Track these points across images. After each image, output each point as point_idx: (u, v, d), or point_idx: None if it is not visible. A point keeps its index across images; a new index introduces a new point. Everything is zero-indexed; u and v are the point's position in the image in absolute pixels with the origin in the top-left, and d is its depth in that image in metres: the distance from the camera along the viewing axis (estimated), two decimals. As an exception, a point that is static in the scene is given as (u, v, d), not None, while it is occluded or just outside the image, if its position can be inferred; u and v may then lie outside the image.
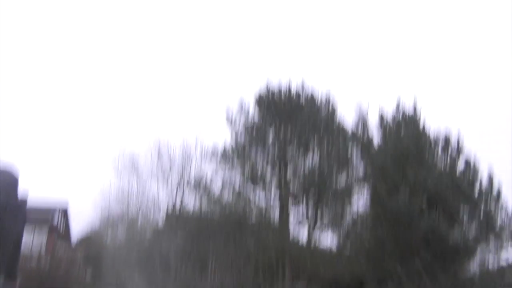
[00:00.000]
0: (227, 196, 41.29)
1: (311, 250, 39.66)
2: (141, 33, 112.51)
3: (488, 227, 36.57)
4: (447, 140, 38.38)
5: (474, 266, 37.61)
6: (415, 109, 39.78)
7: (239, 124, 42.74)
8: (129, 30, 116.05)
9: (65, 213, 68.99)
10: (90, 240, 57.47)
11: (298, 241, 41.31)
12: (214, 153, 41.48)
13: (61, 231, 66.94)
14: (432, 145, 38.60)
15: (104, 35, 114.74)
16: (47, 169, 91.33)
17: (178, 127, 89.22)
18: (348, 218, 41.05)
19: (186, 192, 46.03)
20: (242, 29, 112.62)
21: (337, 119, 42.72)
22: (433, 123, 40.02)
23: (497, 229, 36.56)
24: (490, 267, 37.33)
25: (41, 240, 58.09)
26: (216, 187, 41.59)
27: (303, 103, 42.75)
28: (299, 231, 42.20)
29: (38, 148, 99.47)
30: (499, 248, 36.76)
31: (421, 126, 39.35)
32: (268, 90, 43.26)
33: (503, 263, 37.15)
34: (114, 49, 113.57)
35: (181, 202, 46.45)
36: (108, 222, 51.17)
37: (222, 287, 42.97)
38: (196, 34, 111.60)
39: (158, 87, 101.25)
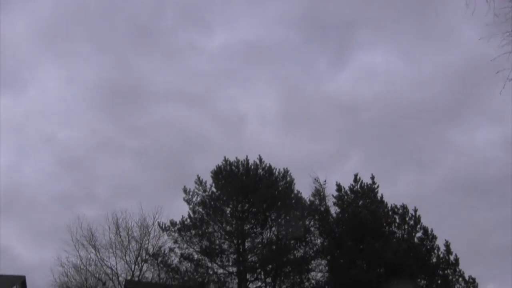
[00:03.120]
0: (185, 267, 40.63)
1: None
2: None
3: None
4: (404, 209, 38.31)
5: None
6: (373, 179, 39.76)
7: (196, 198, 41.81)
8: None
9: (23, 282, 67.84)
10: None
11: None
12: (172, 225, 40.92)
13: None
14: (390, 214, 38.53)
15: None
16: (4, 240, 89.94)
17: (137, 198, 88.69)
18: (307, 289, 40.64)
19: (145, 263, 45.46)
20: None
21: (295, 191, 42.18)
22: (390, 196, 40.26)
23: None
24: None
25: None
26: (175, 259, 40.98)
27: (261, 175, 42.40)
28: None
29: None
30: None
31: (379, 196, 39.33)
32: (226, 163, 42.74)
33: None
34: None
35: (140, 271, 45.82)
36: (67, 291, 50.32)
37: None
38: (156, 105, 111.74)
39: (119, 157, 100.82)
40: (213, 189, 41.79)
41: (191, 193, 41.49)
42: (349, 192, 39.48)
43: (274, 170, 42.35)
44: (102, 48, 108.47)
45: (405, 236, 37.63)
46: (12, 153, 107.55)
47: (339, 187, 39.61)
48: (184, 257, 40.35)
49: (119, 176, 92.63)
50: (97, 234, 47.49)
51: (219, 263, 40.51)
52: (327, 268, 39.67)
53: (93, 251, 46.14)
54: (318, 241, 40.41)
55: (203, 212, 41.09)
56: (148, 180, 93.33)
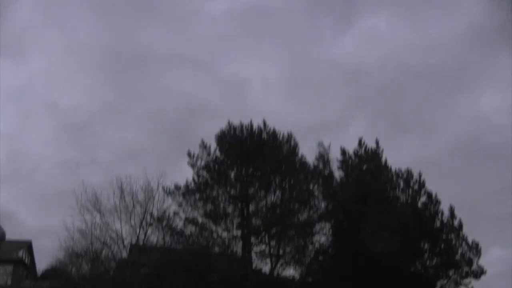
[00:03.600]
0: (190, 230, 40.74)
1: (274, 280, 39.19)
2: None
3: (449, 257, 36.50)
4: (409, 174, 38.28)
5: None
6: (377, 144, 39.65)
7: (201, 162, 41.93)
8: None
9: (29, 248, 68.16)
10: (55, 273, 56.63)
11: (261, 274, 40.87)
12: (176, 189, 40.97)
13: (26, 265, 66.10)
14: (394, 179, 38.50)
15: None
16: (9, 206, 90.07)
17: (141, 164, 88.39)
18: (310, 253, 40.71)
19: (149, 226, 45.44)
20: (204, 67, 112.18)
21: (299, 156, 42.15)
22: (394, 162, 40.19)
23: (458, 258, 36.53)
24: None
25: (7, 274, 57.35)
26: (179, 222, 41.08)
27: (265, 140, 42.39)
28: (262, 267, 41.85)
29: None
30: (459, 276, 36.70)
31: (383, 161, 39.27)
32: (230, 127, 42.76)
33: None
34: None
35: (145, 235, 45.78)
36: (72, 255, 50.29)
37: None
38: (160, 70, 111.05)
39: (122, 122, 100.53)
40: (217, 153, 41.74)
41: (195, 157, 41.44)
42: (353, 157, 39.44)
43: (278, 134, 42.22)
44: (104, 13, 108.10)
45: (409, 200, 37.64)
46: (15, 120, 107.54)
47: (343, 152, 39.56)
48: (189, 221, 40.40)
49: (123, 141, 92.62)
50: (102, 199, 47.31)
51: (223, 226, 40.55)
52: (331, 231, 39.75)
53: (98, 215, 45.98)
54: (322, 205, 40.38)
55: (207, 176, 41.08)
56: (152, 145, 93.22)
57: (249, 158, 40.54)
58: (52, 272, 57.88)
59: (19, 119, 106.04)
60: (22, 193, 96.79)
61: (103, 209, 45.68)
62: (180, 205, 40.69)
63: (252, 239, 40.25)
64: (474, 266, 36.40)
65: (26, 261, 66.08)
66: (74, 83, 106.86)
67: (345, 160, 39.33)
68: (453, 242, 36.84)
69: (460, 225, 36.84)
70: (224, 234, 40.74)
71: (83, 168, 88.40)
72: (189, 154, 41.37)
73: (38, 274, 66.48)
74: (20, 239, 59.28)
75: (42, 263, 68.65)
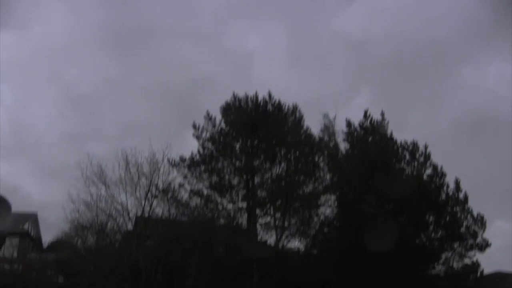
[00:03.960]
0: (195, 202, 40.93)
1: (279, 252, 39.31)
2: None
3: (454, 230, 36.54)
4: (414, 146, 38.22)
5: (440, 266, 37.67)
6: (382, 115, 39.57)
7: (206, 134, 42.13)
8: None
9: (35, 220, 68.42)
10: (61, 244, 56.85)
11: (266, 246, 40.97)
12: (181, 161, 41.05)
13: (32, 237, 66.38)
14: (400, 151, 38.46)
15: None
16: (15, 179, 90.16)
17: (146, 136, 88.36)
18: (315, 225, 40.79)
19: (155, 198, 45.49)
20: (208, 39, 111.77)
21: (304, 127, 42.14)
22: (400, 134, 40.08)
23: (463, 231, 36.57)
24: (455, 265, 37.37)
25: (13, 246, 57.62)
26: (184, 194, 41.28)
27: (270, 112, 42.41)
28: (267, 239, 42.01)
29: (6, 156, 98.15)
30: (464, 249, 36.77)
31: (388, 133, 39.19)
32: (235, 99, 42.78)
33: (467, 261, 37.21)
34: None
35: (150, 207, 45.86)
36: (78, 227, 50.46)
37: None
38: (163, 43, 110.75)
39: (127, 94, 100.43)
40: (222, 125, 41.82)
41: (200, 129, 41.51)
42: (358, 129, 39.30)
43: (283, 106, 42.25)
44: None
45: (414, 173, 37.56)
46: (20, 93, 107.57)
47: (348, 123, 39.42)
48: (194, 193, 40.56)
49: (128, 113, 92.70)
50: (107, 171, 47.36)
51: (228, 198, 40.79)
52: (336, 203, 39.80)
53: (104, 187, 46.04)
54: (327, 177, 40.44)
55: (213, 148, 41.18)
56: (157, 117, 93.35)
57: (254, 130, 40.59)
58: (58, 244, 58.15)
59: (23, 92, 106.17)
60: (27, 166, 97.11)
61: (108, 181, 45.71)
62: (185, 177, 40.87)
63: (257, 211, 40.44)
64: (479, 239, 36.39)
65: (32, 233, 66.41)
66: (78, 56, 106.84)
67: (351, 132, 39.19)
68: (458, 215, 36.79)
69: (466, 198, 36.79)
70: (229, 206, 41.02)
71: (88, 140, 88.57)
72: (194, 126, 41.44)
73: (44, 246, 66.81)
74: (26, 211, 59.54)
75: (47, 236, 69.05)
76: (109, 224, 48.76)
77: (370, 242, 34.07)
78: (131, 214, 46.49)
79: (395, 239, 33.42)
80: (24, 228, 62.65)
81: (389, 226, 33.66)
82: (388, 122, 39.22)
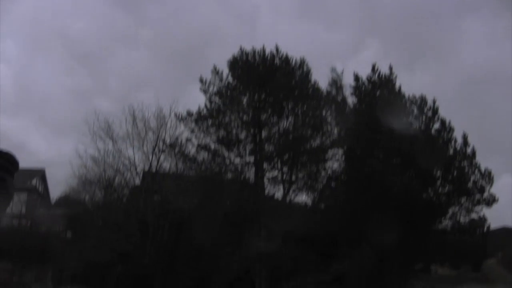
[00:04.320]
0: (203, 157, 41.01)
1: (286, 206, 39.46)
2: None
3: (461, 185, 36.62)
4: (422, 100, 38.14)
5: (447, 220, 37.85)
6: (391, 70, 39.42)
7: (213, 88, 41.93)
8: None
9: (43, 176, 68.68)
10: (69, 199, 57.10)
11: (273, 200, 41.13)
12: (189, 116, 41.01)
13: (40, 193, 66.69)
14: (408, 105, 38.40)
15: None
16: (22, 135, 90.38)
17: (152, 91, 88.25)
18: (322, 179, 40.91)
19: (162, 153, 45.59)
20: None
21: (312, 81, 42.00)
22: (408, 88, 39.90)
23: (470, 185, 36.65)
24: (462, 220, 37.55)
25: (21, 202, 57.87)
26: (192, 148, 41.33)
27: (278, 65, 42.15)
28: (274, 193, 42.19)
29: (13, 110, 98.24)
30: (471, 203, 36.89)
31: (396, 87, 39.09)
32: (242, 52, 42.52)
33: (474, 216, 37.38)
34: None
35: (157, 162, 45.98)
36: (86, 182, 50.66)
37: (198, 245, 42.86)
38: None
39: (133, 49, 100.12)
40: (230, 79, 41.69)
41: (207, 83, 41.42)
42: (366, 83, 39.16)
43: (291, 60, 42.11)
44: None
45: (422, 127, 37.55)
46: (25, 49, 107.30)
47: (356, 77, 39.21)
48: (201, 147, 40.66)
49: (134, 68, 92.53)
50: (114, 126, 47.47)
51: (236, 152, 40.87)
52: (343, 158, 39.88)
53: (111, 142, 46.24)
54: (335, 131, 40.48)
55: (220, 102, 41.16)
56: (164, 71, 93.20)
57: (261, 84, 40.48)
58: (66, 200, 58.37)
59: (28, 48, 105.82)
60: (34, 122, 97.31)
61: (115, 136, 45.93)
62: (192, 131, 40.93)
63: (265, 165, 40.55)
64: (486, 194, 36.47)
65: (40, 189, 66.75)
66: (83, 10, 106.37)
67: (358, 86, 39.02)
68: (466, 169, 36.84)
69: (473, 153, 36.81)
70: (237, 160, 41.14)
71: (95, 96, 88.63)
72: (201, 80, 41.36)
73: (51, 202, 67.02)
74: (33, 167, 59.67)
75: (55, 191, 69.52)
76: (116, 179, 49.04)
77: (377, 197, 34.25)
78: (139, 169, 46.76)
79: (402, 193, 33.56)
80: (32, 184, 62.94)
81: (396, 180, 33.77)
82: (396, 76, 39.09)
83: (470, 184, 36.58)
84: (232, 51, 43.49)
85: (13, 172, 7.25)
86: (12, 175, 7.17)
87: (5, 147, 7.00)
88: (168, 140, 44.69)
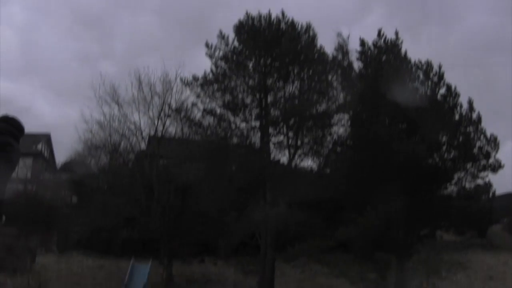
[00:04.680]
0: (208, 122, 41.00)
1: (292, 171, 39.61)
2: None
3: (467, 150, 36.72)
4: (428, 66, 38.11)
5: (452, 186, 38.04)
6: (397, 34, 39.36)
7: (219, 52, 41.54)
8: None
9: (48, 141, 68.86)
10: (74, 165, 57.33)
11: (278, 164, 41.28)
12: (194, 80, 40.96)
13: (45, 157, 66.93)
14: (413, 71, 38.39)
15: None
16: (27, 99, 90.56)
17: (158, 56, 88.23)
18: (328, 144, 41.02)
19: (168, 118, 45.64)
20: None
21: (317, 46, 41.83)
22: (414, 53, 39.84)
23: (476, 151, 36.75)
24: (468, 186, 37.74)
25: (27, 167, 58.11)
26: (197, 113, 41.33)
27: (284, 30, 41.89)
28: (280, 158, 42.34)
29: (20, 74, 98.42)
30: (476, 169, 37.02)
31: (402, 52, 39.06)
32: (248, 17, 42.18)
33: (480, 182, 37.56)
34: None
35: (163, 127, 46.06)
36: (91, 147, 50.82)
37: (204, 210, 43.14)
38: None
39: (139, 14, 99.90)
40: (236, 43, 41.53)
41: (213, 48, 41.26)
42: (372, 48, 39.15)
43: (297, 25, 41.95)
44: None
45: (428, 92, 37.58)
46: (30, 12, 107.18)
47: (362, 42, 39.16)
48: (207, 112, 40.69)
49: (140, 32, 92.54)
50: (120, 91, 47.50)
51: (241, 117, 40.85)
52: (349, 123, 39.95)
53: (116, 107, 46.26)
54: (341, 96, 40.48)
55: (226, 66, 41.05)
56: (170, 36, 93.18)
57: (267, 49, 40.37)
58: (71, 165, 58.64)
59: (34, 12, 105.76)
60: (39, 87, 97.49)
61: (121, 101, 45.98)
62: (198, 96, 40.93)
63: (270, 130, 40.60)
64: (492, 160, 36.60)
65: (45, 154, 66.97)
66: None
67: (364, 51, 38.99)
68: (471, 135, 36.93)
69: (479, 118, 36.85)
70: (242, 125, 41.17)
71: (101, 60, 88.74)
72: (207, 45, 41.26)
73: (57, 167, 67.33)
74: (38, 132, 59.85)
75: (61, 156, 69.70)
76: (122, 143, 49.24)
77: (383, 162, 34.40)
78: (144, 134, 46.92)
79: (408, 159, 33.69)
80: (38, 148, 63.15)
81: (402, 145, 33.89)
82: (402, 42, 39.05)
83: (475, 150, 36.69)
84: (238, 16, 43.43)
85: (19, 137, 7.36)
86: (18, 140, 7.28)
87: (11, 111, 7.12)
88: (174, 105, 44.77)
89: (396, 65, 37.52)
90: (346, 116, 39.96)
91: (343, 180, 37.44)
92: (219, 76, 40.65)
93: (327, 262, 42.59)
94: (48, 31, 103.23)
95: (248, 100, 40.94)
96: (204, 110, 40.66)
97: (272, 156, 40.99)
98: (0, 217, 6.91)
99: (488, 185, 37.44)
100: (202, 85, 40.63)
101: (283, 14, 41.89)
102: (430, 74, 37.70)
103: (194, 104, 41.23)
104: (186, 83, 41.43)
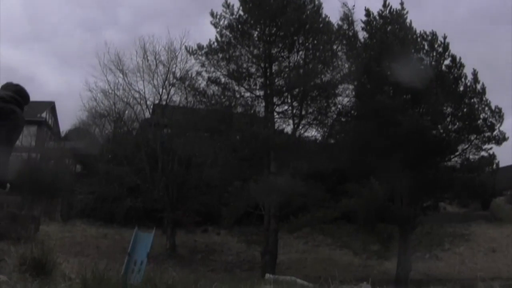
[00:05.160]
0: (213, 91, 40.95)
1: (296, 141, 39.60)
2: None
3: (471, 122, 36.71)
4: (433, 36, 38.01)
5: (456, 157, 38.11)
6: (402, 5, 39.18)
7: (224, 21, 41.08)
8: None
9: (52, 109, 68.97)
10: (78, 133, 57.47)
11: (283, 134, 41.28)
12: (199, 49, 40.83)
13: (49, 126, 67.06)
14: (419, 41, 38.29)
15: None
16: (31, 68, 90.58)
17: (163, 24, 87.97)
18: (332, 114, 41.01)
19: (172, 87, 45.63)
20: None
21: (323, 16, 41.60)
22: (419, 24, 39.67)
23: (480, 123, 36.73)
24: (472, 158, 37.79)
25: (31, 135, 58.27)
26: (202, 82, 41.24)
27: (289, -1, 41.47)
28: (284, 128, 42.41)
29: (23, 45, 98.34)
30: (480, 141, 37.04)
31: (407, 22, 38.92)
32: (253, -15, 41.82)
33: (484, 154, 37.58)
34: None
35: (168, 95, 46.09)
36: (95, 115, 50.95)
37: (207, 179, 43.30)
38: None
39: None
40: (241, 12, 41.30)
41: (218, 17, 41.03)
42: (377, 18, 39.02)
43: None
44: None
45: (433, 63, 37.50)
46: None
47: (367, 12, 38.96)
48: (211, 81, 40.63)
49: (145, 0, 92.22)
50: (125, 59, 47.65)
51: (246, 86, 40.91)
52: (353, 93, 39.91)
53: (121, 75, 46.31)
54: (346, 66, 40.37)
55: (230, 35, 40.86)
56: (174, 4, 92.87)
57: (272, 18, 40.19)
58: (76, 133, 58.88)
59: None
60: (44, 55, 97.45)
61: (126, 69, 46.12)
62: (202, 65, 40.83)
63: (275, 100, 40.61)
64: (496, 132, 36.58)
65: (50, 122, 67.16)
66: None
67: (369, 21, 38.85)
68: (476, 106, 36.87)
69: (483, 89, 36.75)
70: (247, 94, 41.26)
71: (105, 29, 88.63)
72: (212, 14, 41.07)
73: (61, 135, 67.56)
74: (43, 100, 59.99)
75: (65, 124, 69.98)
76: (126, 112, 49.46)
77: (387, 133, 34.44)
78: (149, 102, 47.11)
79: (412, 130, 33.71)
80: (42, 116, 63.24)
81: (406, 116, 33.90)
82: (407, 12, 38.92)
83: (480, 122, 36.65)
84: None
85: (23, 104, 7.45)
86: (22, 108, 7.37)
87: (14, 79, 7.21)
88: (178, 74, 44.82)
89: (401, 35, 37.39)
90: (351, 87, 39.95)
91: (346, 151, 37.52)
92: (224, 45, 40.52)
93: (330, 233, 42.82)
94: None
95: (252, 70, 40.93)
96: (209, 79, 40.65)
97: (276, 126, 41.12)
98: (5, 185, 7.03)
99: (492, 157, 37.36)
100: (206, 54, 40.53)
101: (288, -18, 41.71)
102: (435, 45, 37.58)
103: (198, 73, 41.22)
104: (190, 52, 41.36)
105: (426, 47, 37.80)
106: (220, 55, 40.48)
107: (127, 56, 52.52)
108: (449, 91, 36.50)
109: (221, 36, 40.78)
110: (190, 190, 44.63)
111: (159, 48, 46.57)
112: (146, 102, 46.94)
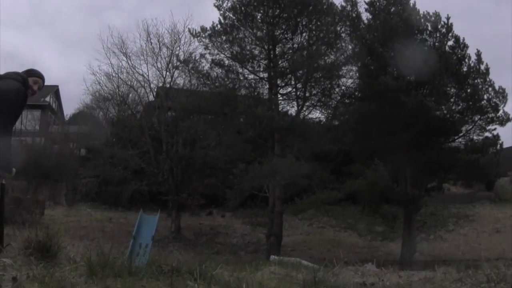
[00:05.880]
0: (216, 73, 40.83)
1: (300, 123, 39.53)
2: None
3: (475, 102, 36.63)
4: (437, 17, 37.88)
5: (460, 138, 38.09)
6: (406, -14, 39.05)
7: (227, 3, 40.76)
8: None
9: (56, 93, 68.98)
10: (83, 117, 57.49)
11: (287, 116, 41.19)
12: (202, 31, 40.70)
13: (54, 110, 67.07)
14: (422, 22, 38.16)
15: None
16: (34, 51, 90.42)
17: (166, 7, 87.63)
18: (336, 96, 40.98)
19: (176, 69, 45.53)
20: None
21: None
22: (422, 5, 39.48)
23: (484, 103, 36.64)
24: (475, 138, 37.77)
25: (35, 119, 58.27)
26: (205, 64, 41.12)
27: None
28: (288, 110, 42.35)
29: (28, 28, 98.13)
30: (484, 122, 36.99)
31: (411, 3, 38.78)
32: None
33: (487, 134, 37.54)
34: None
35: (171, 78, 46.03)
36: (99, 99, 50.96)
37: (212, 161, 43.33)
38: None
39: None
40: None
41: (221, -3, 41.01)
42: (381, -2, 38.91)
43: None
44: None
45: (436, 44, 37.39)
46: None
47: (371, -8, 38.97)
48: (215, 63, 40.53)
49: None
50: (128, 42, 47.66)
51: (250, 68, 40.87)
52: (357, 74, 39.85)
53: (124, 58, 46.23)
54: (349, 47, 40.27)
55: (234, 17, 40.73)
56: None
57: (275, -1, 40.09)
58: (80, 117, 58.84)
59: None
60: (46, 38, 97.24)
61: (129, 52, 45.98)
62: (206, 47, 40.73)
63: (279, 82, 40.51)
64: (500, 112, 36.50)
65: (54, 106, 67.13)
66: None
67: (373, 2, 38.70)
68: (480, 87, 36.77)
69: (487, 70, 36.63)
70: (251, 77, 41.21)
71: (108, 12, 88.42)
72: (215, -4, 40.94)
73: (65, 119, 67.55)
74: (47, 84, 59.93)
75: (69, 108, 70.01)
76: (130, 95, 49.46)
77: (391, 114, 34.41)
78: (153, 85, 47.05)
79: (416, 111, 33.68)
80: (46, 101, 63.19)
81: (410, 97, 33.85)
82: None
83: (484, 102, 36.57)
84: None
85: (27, 80, 7.44)
86: (26, 85, 7.35)
87: (18, 63, 7.16)
88: (182, 56, 44.71)
89: (405, 16, 37.24)
90: (355, 68, 39.87)
91: (351, 132, 37.58)
92: (227, 27, 40.38)
93: (335, 215, 42.96)
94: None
95: (256, 52, 40.84)
96: (212, 61, 40.53)
97: (280, 108, 41.02)
98: (11, 170, 7.02)
99: (496, 138, 37.29)
100: (210, 36, 40.41)
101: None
102: (438, 25, 37.45)
103: (202, 56, 41.08)
104: (194, 34, 41.21)
105: (429, 28, 37.68)
106: (224, 37, 40.34)
107: (131, 39, 52.44)
108: (453, 72, 36.42)
109: (225, 18, 40.66)
110: (194, 172, 44.67)
111: (163, 31, 46.65)
112: (150, 85, 46.97)
